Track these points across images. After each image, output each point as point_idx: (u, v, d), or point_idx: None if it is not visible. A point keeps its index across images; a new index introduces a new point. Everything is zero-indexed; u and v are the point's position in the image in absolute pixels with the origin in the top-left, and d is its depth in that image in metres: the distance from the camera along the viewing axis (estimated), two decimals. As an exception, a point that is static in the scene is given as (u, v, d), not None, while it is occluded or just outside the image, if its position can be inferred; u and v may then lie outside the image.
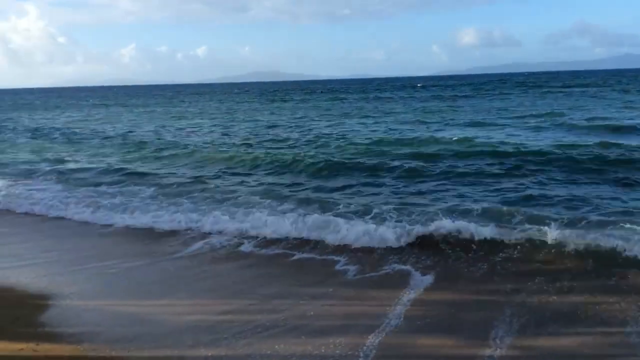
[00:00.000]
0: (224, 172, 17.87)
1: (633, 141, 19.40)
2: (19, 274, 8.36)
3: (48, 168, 19.32)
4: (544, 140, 21.25)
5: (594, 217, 10.15)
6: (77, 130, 36.31)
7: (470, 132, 25.34)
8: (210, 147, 23.92)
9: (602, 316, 6.43)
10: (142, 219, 11.59)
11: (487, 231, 9.15)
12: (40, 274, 8.37)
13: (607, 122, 26.53)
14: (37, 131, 36.44)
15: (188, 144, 25.28)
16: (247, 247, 9.74)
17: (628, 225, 9.23)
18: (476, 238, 9.08)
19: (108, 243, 10.41)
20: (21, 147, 26.93)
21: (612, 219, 9.89)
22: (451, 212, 10.86)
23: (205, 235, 10.47)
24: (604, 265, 8.01)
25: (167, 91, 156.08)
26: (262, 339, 6.01)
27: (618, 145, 18.35)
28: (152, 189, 14.66)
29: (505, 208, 11.12)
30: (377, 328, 6.18)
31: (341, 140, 24.01)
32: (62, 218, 12.20)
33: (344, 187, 14.35)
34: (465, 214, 10.72)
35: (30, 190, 15.12)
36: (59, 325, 6.53)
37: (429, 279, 7.83)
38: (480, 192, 13.06)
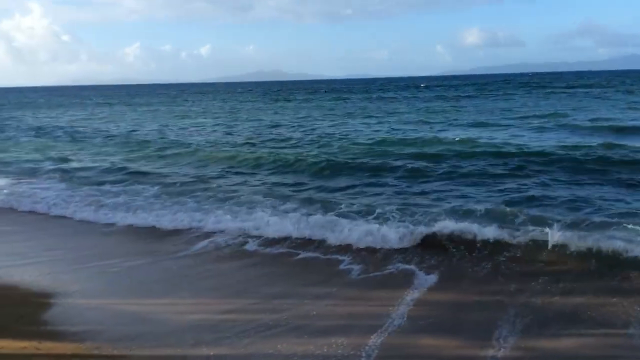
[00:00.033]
0: (226, 171, 17.88)
1: (637, 142, 19.35)
2: (22, 272, 8.38)
3: (51, 167, 19.36)
4: (547, 141, 21.22)
5: (597, 218, 10.12)
6: (80, 129, 36.39)
7: (473, 133, 25.33)
8: (213, 147, 23.95)
9: (605, 317, 6.41)
10: (145, 218, 11.61)
11: (490, 232, 9.12)
12: (44, 273, 8.39)
13: (610, 123, 26.49)
14: (40, 130, 36.52)
15: (191, 143, 25.30)
16: (251, 246, 9.75)
17: (631, 226, 9.22)
18: (479, 239, 9.06)
19: (111, 242, 10.43)
20: (24, 146, 26.98)
21: (615, 220, 9.86)
22: (454, 213, 10.85)
23: (209, 234, 10.48)
24: (607, 267, 7.99)
25: (170, 90, 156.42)
26: (265, 339, 6.01)
27: (622, 146, 18.32)
28: (156, 188, 14.67)
29: (508, 209, 11.10)
30: (380, 328, 6.17)
31: (344, 140, 24.01)
32: (66, 217, 12.21)
33: (346, 187, 14.35)
34: (469, 214, 10.71)
35: (34, 188, 15.15)
36: (61, 323, 6.54)
37: (432, 279, 7.83)
38: (484, 192, 13.04)
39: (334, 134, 27.48)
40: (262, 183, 15.62)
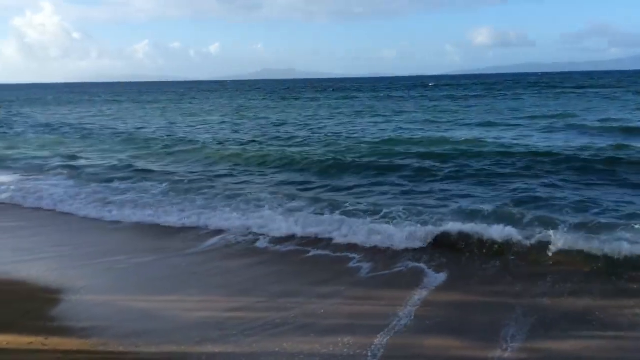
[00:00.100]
0: (234, 169, 17.92)
1: (646, 143, 19.23)
2: (29, 268, 8.41)
3: (59, 163, 19.44)
4: (556, 142, 21.11)
5: (604, 219, 10.07)
6: (88, 126, 36.55)
7: (481, 132, 25.27)
8: (221, 145, 23.99)
9: (612, 319, 6.37)
10: (153, 215, 11.64)
11: (498, 232, 9.07)
12: (51, 268, 8.42)
13: (620, 124, 26.31)
14: (49, 126, 36.71)
15: (199, 141, 25.37)
16: (259, 244, 9.75)
17: (638, 227, 9.18)
18: (487, 239, 9.02)
19: (119, 239, 10.46)
20: (33, 142, 27.12)
21: (622, 221, 9.82)
22: (462, 213, 10.84)
23: (217, 232, 10.49)
24: (615, 268, 7.94)
25: (179, 88, 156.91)
26: (270, 337, 6.01)
27: (631, 148, 18.20)
28: (163, 185, 14.71)
29: (516, 209, 11.07)
30: (387, 327, 6.16)
31: (351, 139, 24.00)
32: (73, 213, 12.25)
33: (353, 186, 14.34)
34: (476, 214, 10.67)
35: (42, 185, 15.22)
36: (68, 319, 6.56)
37: (441, 278, 7.81)
38: (491, 192, 13.00)
39: (341, 132, 27.47)
40: (269, 181, 15.63)
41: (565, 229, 9.43)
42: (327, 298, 7.15)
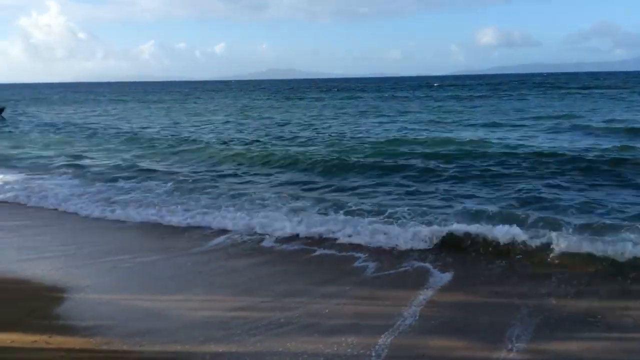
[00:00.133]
0: (238, 169, 17.94)
1: (652, 144, 19.15)
2: (34, 267, 8.43)
3: (64, 163, 19.52)
4: (561, 142, 21.07)
5: (609, 221, 10.06)
6: (93, 125, 36.66)
7: (486, 133, 25.22)
8: (225, 144, 24.02)
9: (617, 320, 6.34)
10: (157, 215, 11.64)
11: (502, 233, 9.05)
12: (56, 267, 8.44)
13: (625, 125, 26.20)
14: (54, 126, 36.85)
15: (203, 141, 25.40)
16: (264, 243, 9.75)
17: (644, 228, 9.14)
18: (492, 240, 9.00)
19: (123, 238, 10.48)
20: (38, 142, 27.22)
21: (627, 222, 9.79)
22: (466, 214, 10.83)
23: (221, 231, 10.50)
24: (619, 269, 7.92)
25: (184, 88, 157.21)
26: (275, 337, 6.00)
27: (636, 149, 18.13)
28: (168, 185, 14.73)
29: (520, 210, 11.06)
30: (391, 327, 6.14)
31: (355, 139, 23.98)
32: (78, 212, 12.27)
33: (358, 187, 14.32)
34: (481, 215, 10.66)
35: (47, 184, 15.29)
36: (72, 318, 6.57)
37: (446, 279, 7.79)
38: (496, 193, 12.97)
39: (346, 132, 27.48)
40: (273, 181, 15.65)
41: (570, 230, 9.42)
42: (331, 298, 7.14)
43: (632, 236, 8.74)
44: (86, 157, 21.26)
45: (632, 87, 71.55)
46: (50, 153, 22.59)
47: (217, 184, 14.98)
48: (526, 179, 14.32)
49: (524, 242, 8.80)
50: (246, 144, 24.20)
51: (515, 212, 10.87)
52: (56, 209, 12.67)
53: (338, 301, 7.03)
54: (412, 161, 17.44)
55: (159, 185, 14.77)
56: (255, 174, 16.83)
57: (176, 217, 11.39)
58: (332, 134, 26.72)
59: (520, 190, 13.03)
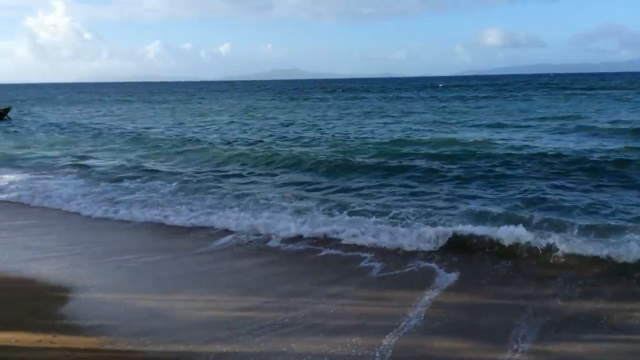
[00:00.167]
0: (242, 169, 17.95)
1: (658, 145, 19.07)
2: (39, 266, 8.45)
3: (69, 162, 19.58)
4: (566, 143, 21.00)
5: (614, 222, 10.02)
6: (98, 125, 36.75)
7: (491, 134, 25.17)
8: (229, 145, 24.04)
9: (622, 321, 6.31)
10: (162, 215, 11.65)
11: (507, 234, 9.02)
12: (61, 267, 8.45)
13: (631, 126, 26.08)
14: (59, 126, 36.96)
15: (207, 141, 25.43)
16: (269, 243, 9.75)
17: (649, 230, 9.10)
18: (497, 241, 8.97)
19: (128, 238, 10.49)
20: (43, 142, 27.31)
21: (632, 224, 9.78)
22: (471, 214, 10.81)
23: (226, 231, 10.50)
24: (624, 271, 7.90)
25: (189, 88, 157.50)
26: (279, 337, 6.00)
27: (642, 150, 18.06)
28: (172, 185, 14.75)
29: (525, 211, 11.04)
30: (396, 328, 6.13)
31: (360, 140, 23.96)
32: (83, 212, 12.29)
33: (362, 187, 14.31)
34: (485, 216, 10.65)
35: (52, 184, 15.33)
36: (77, 317, 6.58)
37: (452, 279, 7.77)
38: (500, 194, 12.93)
39: (350, 133, 27.46)
40: (278, 181, 15.65)
41: (575, 231, 9.38)
42: (336, 298, 7.13)
43: (637, 237, 8.70)
44: (91, 157, 21.32)
45: (638, 88, 71.34)
46: (56, 153, 22.67)
47: (221, 184, 15.00)
48: (531, 180, 14.28)
49: (529, 243, 8.77)
50: (250, 144, 24.22)
51: (520, 213, 10.85)
52: (61, 209, 12.69)
53: (343, 301, 7.02)
54: (417, 162, 17.42)
55: (163, 185, 14.79)
56: (260, 174, 16.84)
57: (181, 217, 11.40)
58: (337, 135, 26.71)
59: (525, 191, 13.00)
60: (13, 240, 10.15)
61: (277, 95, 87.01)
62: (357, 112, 43.12)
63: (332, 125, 32.61)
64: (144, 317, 6.62)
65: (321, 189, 14.29)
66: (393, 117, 37.50)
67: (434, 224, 10.00)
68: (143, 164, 19.04)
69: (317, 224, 10.35)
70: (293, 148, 21.97)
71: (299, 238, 9.95)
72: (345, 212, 11.25)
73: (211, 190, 13.91)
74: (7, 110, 44.17)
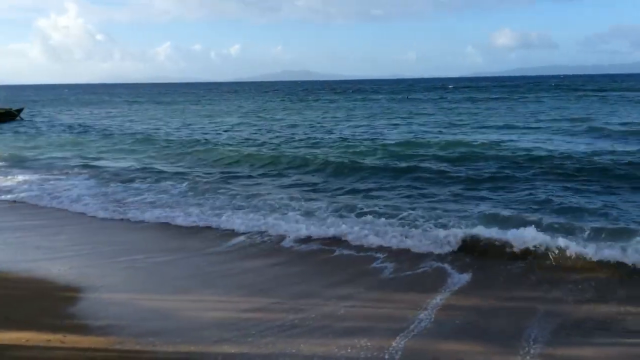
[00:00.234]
0: (251, 170, 17.98)
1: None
2: (50, 266, 8.49)
3: (80, 163, 19.69)
4: (576, 145, 20.86)
5: (626, 225, 9.94)
6: (109, 126, 36.94)
7: (501, 135, 25.06)
8: (238, 146, 24.07)
9: (634, 325, 6.25)
10: (172, 215, 11.68)
11: (518, 237, 8.96)
12: (72, 266, 8.49)
13: (644, 128, 25.90)
14: (70, 126, 37.20)
15: (216, 142, 25.49)
16: (277, 244, 9.75)
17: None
18: (509, 244, 8.91)
19: (139, 238, 10.53)
20: (54, 142, 27.50)
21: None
22: (481, 217, 10.75)
23: (235, 232, 10.49)
24: (636, 274, 7.84)
25: (199, 89, 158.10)
26: (288, 338, 5.98)
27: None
28: (182, 185, 14.80)
29: (536, 213, 10.97)
30: (406, 330, 6.10)
31: (369, 141, 23.91)
32: (94, 212, 12.34)
33: (370, 189, 14.28)
34: (495, 218, 10.60)
35: (62, 184, 15.41)
36: (87, 317, 6.61)
37: (464, 281, 7.74)
38: (511, 196, 12.86)
39: (359, 134, 27.44)
40: (286, 182, 15.65)
41: (586, 234, 9.33)
42: (346, 299, 7.11)
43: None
44: (101, 158, 21.44)
45: (651, 90, 70.77)
46: (66, 154, 22.81)
47: (230, 185, 15.02)
48: (541, 182, 14.18)
49: (540, 246, 8.70)
50: (259, 145, 24.26)
51: (530, 215, 10.79)
52: (71, 209, 12.74)
53: (353, 303, 7.00)
54: (426, 163, 17.36)
55: (173, 186, 14.83)
56: (268, 175, 16.85)
57: (190, 218, 11.43)
58: (346, 136, 26.68)
59: (535, 193, 12.91)
60: (24, 240, 10.20)
61: (287, 97, 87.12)
62: (366, 114, 43.09)
63: (341, 126, 32.60)
64: (153, 317, 6.63)
65: (330, 190, 14.28)
66: (402, 118, 37.43)
67: (444, 226, 9.97)
68: (153, 165, 19.12)
69: (327, 225, 10.36)
70: (302, 149, 21.97)
71: (309, 239, 9.93)
72: (355, 213, 11.24)
73: (220, 191, 13.94)
74: (20, 110, 44.65)
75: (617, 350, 5.73)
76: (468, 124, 31.41)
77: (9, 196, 14.01)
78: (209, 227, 10.94)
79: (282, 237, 10.03)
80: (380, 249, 9.26)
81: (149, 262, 8.83)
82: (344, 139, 25.19)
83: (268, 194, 13.56)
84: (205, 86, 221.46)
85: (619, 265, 8.07)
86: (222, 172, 17.53)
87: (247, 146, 23.90)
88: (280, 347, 5.78)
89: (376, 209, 11.59)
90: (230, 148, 23.00)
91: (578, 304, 6.90)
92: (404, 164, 17.31)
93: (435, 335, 6.03)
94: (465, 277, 7.92)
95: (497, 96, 67.89)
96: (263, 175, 17.02)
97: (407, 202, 12.50)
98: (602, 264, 8.14)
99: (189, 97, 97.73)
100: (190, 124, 37.27)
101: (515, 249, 8.77)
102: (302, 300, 7.08)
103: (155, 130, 33.28)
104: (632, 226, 9.80)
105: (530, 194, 12.84)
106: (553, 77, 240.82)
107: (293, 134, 29.03)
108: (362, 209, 11.58)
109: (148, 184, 15.23)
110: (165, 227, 11.20)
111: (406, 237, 9.48)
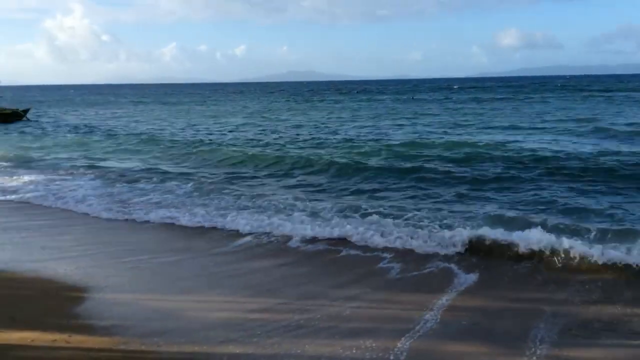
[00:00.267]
0: (256, 170, 17.99)
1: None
2: (56, 266, 8.51)
3: (85, 164, 19.74)
4: (582, 146, 20.78)
5: (632, 226, 9.88)
6: (114, 127, 37.04)
7: (506, 136, 25.00)
8: (244, 146, 24.09)
9: (641, 328, 6.23)
10: (178, 216, 11.69)
11: (524, 238, 8.93)
12: (77, 267, 8.50)
13: (650, 128, 25.78)
14: (75, 127, 37.33)
15: (221, 142, 25.51)
16: (282, 245, 9.75)
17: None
18: (515, 245, 8.87)
19: (144, 238, 10.54)
20: (60, 143, 27.59)
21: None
22: (487, 218, 10.72)
23: (241, 232, 10.49)
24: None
25: (205, 89, 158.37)
26: (293, 339, 5.97)
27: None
28: (187, 186, 14.82)
29: (541, 215, 10.93)
30: (412, 330, 6.09)
31: (373, 142, 23.89)
32: (99, 213, 12.36)
33: (375, 189, 14.27)
34: (501, 219, 10.56)
35: (68, 185, 15.45)
36: (92, 317, 6.61)
37: (469, 282, 7.72)
38: (515, 197, 12.82)
39: (364, 135, 27.42)
40: (291, 183, 15.66)
41: (592, 235, 9.28)
42: (352, 300, 7.10)
43: (656, 242, 8.58)
44: (107, 158, 21.50)
45: (657, 90, 70.46)
46: (72, 154, 22.88)
47: (235, 186, 15.03)
48: (547, 183, 14.14)
49: (545, 248, 8.67)
50: (264, 145, 24.27)
51: (535, 216, 10.74)
52: (76, 210, 12.77)
53: (359, 303, 6.99)
54: (431, 164, 17.33)
55: (178, 186, 14.85)
56: (273, 176, 16.86)
57: (196, 218, 11.44)
58: (350, 136, 26.67)
59: (540, 194, 12.87)
60: (30, 240, 10.22)
61: (292, 97, 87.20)
62: (371, 114, 43.07)
63: (346, 127, 32.59)
64: (159, 317, 6.63)
65: (335, 191, 14.27)
66: (407, 118, 37.40)
67: (450, 227, 9.95)
68: (158, 165, 19.15)
69: (333, 225, 10.36)
70: (306, 150, 21.98)
71: (315, 239, 9.93)
72: (360, 213, 11.23)
73: (226, 191, 13.96)
74: (27, 111, 44.87)
75: (624, 351, 5.70)
76: (473, 125, 31.35)
77: (14, 196, 14.06)
78: (214, 228, 10.95)
79: (289, 238, 10.02)
80: (386, 249, 9.25)
81: (155, 262, 8.85)
82: (349, 140, 25.18)
83: (273, 194, 13.56)
84: (210, 87, 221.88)
85: (625, 267, 8.03)
86: (227, 173, 17.54)
87: (252, 146, 23.91)
88: (286, 347, 5.78)
89: (381, 209, 11.57)
90: (235, 148, 23.02)
91: (584, 305, 6.88)
92: (408, 165, 17.29)
93: (441, 336, 6.02)
94: (472, 277, 7.91)
95: (502, 96, 67.78)
96: (268, 175, 17.03)
97: (412, 203, 12.47)
98: (608, 266, 8.11)
99: (195, 97, 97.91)
100: (195, 125, 37.33)
101: (521, 250, 8.74)
102: (308, 301, 7.07)
103: (160, 130, 33.36)
104: (638, 227, 9.75)
105: (536, 195, 12.80)
106: (559, 77, 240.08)
107: (298, 134, 29.04)
108: (367, 209, 11.56)
109: (153, 185, 15.25)
110: (171, 227, 11.21)
111: (412, 238, 9.47)
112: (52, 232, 10.83)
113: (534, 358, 5.52)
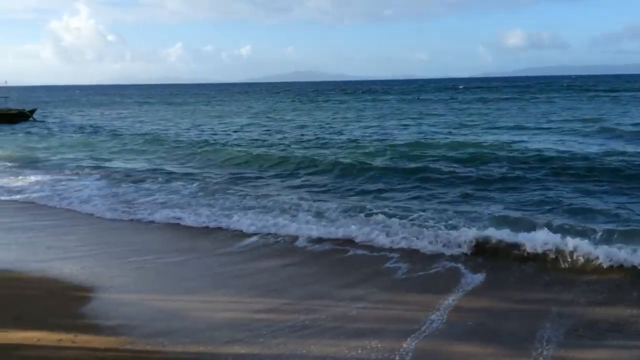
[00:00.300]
0: (261, 170, 18.00)
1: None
2: (62, 266, 8.53)
3: (91, 164, 19.79)
4: (588, 146, 20.70)
5: (637, 227, 9.82)
6: (119, 127, 37.13)
7: (512, 136, 24.92)
8: (248, 147, 24.10)
9: (648, 329, 6.20)
10: (183, 216, 11.70)
11: (530, 239, 8.90)
12: (83, 267, 8.52)
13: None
14: (81, 127, 37.46)
15: (226, 143, 25.53)
16: (288, 245, 9.76)
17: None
18: (521, 245, 8.86)
19: (150, 238, 10.55)
20: (65, 143, 27.67)
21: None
22: (493, 218, 10.69)
23: (246, 233, 10.50)
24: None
25: (210, 90, 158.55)
26: (298, 339, 5.97)
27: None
28: (192, 186, 14.83)
29: (548, 215, 10.90)
30: (417, 331, 6.08)
31: (379, 142, 23.85)
32: (105, 213, 12.38)
33: (380, 190, 14.28)
34: (506, 220, 10.54)
35: (73, 185, 15.49)
36: (98, 317, 6.62)
37: (475, 283, 7.70)
38: (520, 198, 12.78)
39: (368, 135, 27.38)
40: (296, 183, 15.67)
41: (598, 236, 9.24)
42: (359, 300, 7.10)
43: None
44: (112, 159, 21.55)
45: (663, 90, 70.12)
46: (78, 154, 22.95)
47: (240, 186, 15.04)
48: (552, 183, 14.10)
49: (551, 248, 8.64)
50: (269, 146, 24.28)
51: (541, 217, 10.72)
52: (82, 210, 12.79)
53: (365, 304, 6.98)
54: (436, 164, 17.29)
55: (183, 186, 14.87)
56: (278, 176, 16.87)
57: (201, 219, 11.45)
58: (355, 137, 26.65)
59: (546, 194, 12.83)
60: (36, 240, 10.25)
61: (297, 97, 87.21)
62: (376, 114, 43.03)
63: (351, 127, 32.57)
64: (164, 317, 6.64)
65: (340, 191, 14.26)
66: (412, 119, 37.35)
67: (455, 227, 9.92)
68: (163, 166, 19.20)
69: (338, 226, 10.35)
70: (311, 150, 21.97)
71: (321, 240, 9.91)
72: (365, 213, 11.21)
73: (230, 192, 13.96)
74: (33, 111, 45.04)
75: (630, 352, 5.67)
76: (479, 125, 31.28)
77: (19, 196, 14.11)
78: (219, 228, 10.96)
79: (295, 238, 10.02)
80: (392, 249, 9.24)
81: (160, 262, 8.86)
82: (354, 140, 25.16)
83: (278, 194, 13.56)
84: (216, 87, 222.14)
85: (631, 268, 7.99)
86: (232, 173, 17.56)
87: (257, 147, 23.93)
88: (291, 347, 5.77)
89: (386, 209, 11.56)
90: (240, 149, 23.04)
91: (590, 305, 6.85)
92: (414, 165, 17.27)
93: (446, 336, 6.00)
94: (478, 278, 7.89)
95: (508, 96, 67.61)
96: (273, 176, 17.03)
97: (417, 203, 12.46)
98: (614, 266, 8.07)
99: (200, 98, 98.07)
100: (200, 125, 37.39)
101: (527, 251, 8.71)
102: (314, 301, 7.07)
103: (165, 131, 33.43)
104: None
105: (542, 195, 12.76)
106: (565, 77, 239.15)
107: (303, 134, 29.04)
108: (372, 209, 11.54)
109: (159, 185, 15.28)
110: (177, 227, 11.23)
111: (417, 238, 9.45)
112: (58, 232, 10.86)
113: (540, 359, 5.50)
